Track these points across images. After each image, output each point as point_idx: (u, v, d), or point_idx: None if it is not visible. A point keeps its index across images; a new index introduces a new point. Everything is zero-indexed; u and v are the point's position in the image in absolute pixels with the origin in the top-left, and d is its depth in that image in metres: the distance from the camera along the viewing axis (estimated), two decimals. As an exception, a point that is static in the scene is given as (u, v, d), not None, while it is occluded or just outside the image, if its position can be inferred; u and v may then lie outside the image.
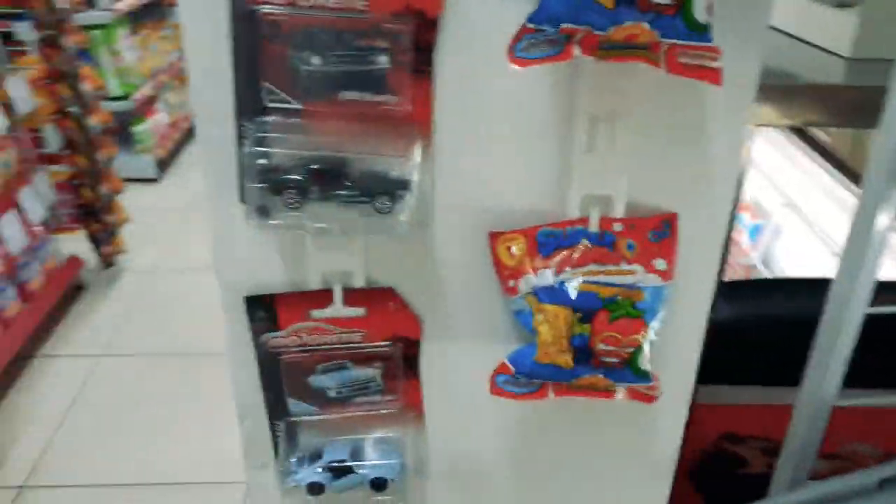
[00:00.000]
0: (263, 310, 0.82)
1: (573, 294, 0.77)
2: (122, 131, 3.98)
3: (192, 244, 3.53)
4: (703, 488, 1.23)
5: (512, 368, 0.81)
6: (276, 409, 0.88)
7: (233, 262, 0.80)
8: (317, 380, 0.86)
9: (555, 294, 0.78)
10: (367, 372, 0.86)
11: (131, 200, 3.67)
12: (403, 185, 0.69)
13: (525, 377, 0.81)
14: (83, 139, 3.20)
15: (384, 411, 0.88)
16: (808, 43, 1.13)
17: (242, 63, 0.66)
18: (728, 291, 1.01)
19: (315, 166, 0.67)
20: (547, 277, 0.78)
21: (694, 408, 0.93)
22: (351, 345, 0.84)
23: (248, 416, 0.89)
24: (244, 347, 0.84)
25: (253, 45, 0.64)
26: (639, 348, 0.78)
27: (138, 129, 4.21)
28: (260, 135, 0.67)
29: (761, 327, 1.15)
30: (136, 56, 4.10)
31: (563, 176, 0.76)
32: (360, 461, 0.86)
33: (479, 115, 0.72)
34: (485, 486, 0.97)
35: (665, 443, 0.95)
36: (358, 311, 0.83)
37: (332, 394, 0.86)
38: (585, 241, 0.77)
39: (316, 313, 0.82)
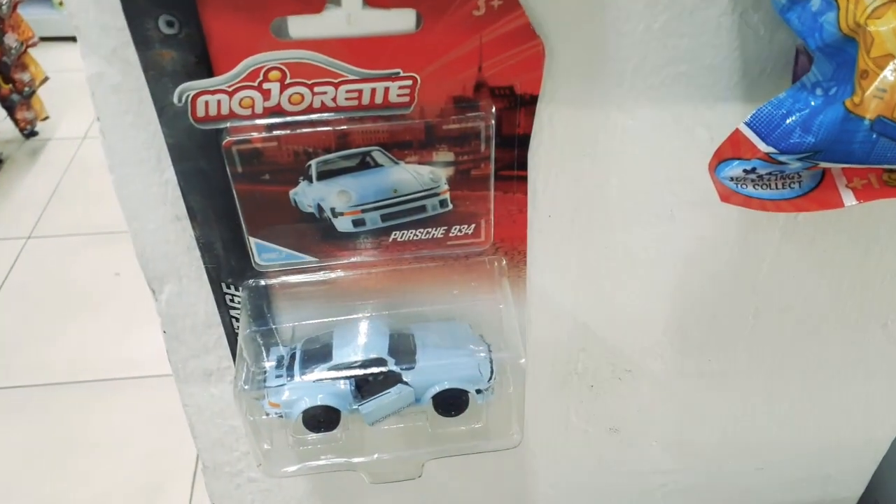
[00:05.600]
0: (170, 18, 0.33)
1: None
2: (33, -22, 3.30)
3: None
4: None
5: (762, 146, 0.35)
6: (225, 263, 0.41)
7: None
8: (308, 192, 0.39)
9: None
10: (418, 173, 0.39)
11: (51, 61, 3.10)
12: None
13: (797, 156, 0.35)
14: (-25, -25, 2.56)
15: (454, 255, 0.42)
16: None
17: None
18: None
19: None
20: None
21: None
22: (384, 112, 0.37)
23: (167, 280, 0.42)
24: (137, 122, 0.36)
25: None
26: None
27: (53, -26, 3.51)
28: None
29: None
30: None
31: None
32: (408, 361, 0.41)
33: None
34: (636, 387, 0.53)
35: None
36: (400, 21, 0.35)
37: (345, 222, 0.40)
38: None
39: (299, 26, 0.34)
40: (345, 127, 0.37)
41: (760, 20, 0.38)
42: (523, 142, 0.40)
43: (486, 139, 0.39)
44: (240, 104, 0.36)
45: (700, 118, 0.40)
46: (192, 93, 0.35)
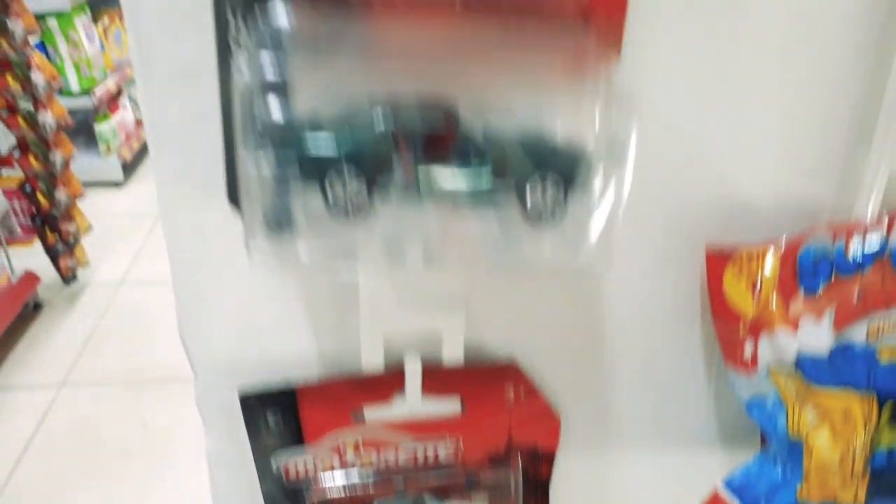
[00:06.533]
0: (275, 413, 0.44)
1: (876, 370, 0.40)
2: (83, 131, 3.56)
3: (165, 254, 3.13)
4: None
5: (737, 506, 0.44)
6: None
7: (211, 328, 0.42)
8: (371, 526, 0.48)
9: (838, 368, 0.40)
10: (461, 508, 0.48)
11: (94, 207, 3.25)
12: (576, 159, 0.32)
13: (766, 524, 0.44)
14: (36, 138, 2.78)
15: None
16: None
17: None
18: None
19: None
20: (819, 335, 0.40)
21: None
22: (434, 468, 0.47)
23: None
24: (241, 478, 0.46)
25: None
26: None
27: (101, 127, 3.78)
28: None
29: None
30: (97, 47, 3.67)
31: (855, 144, 0.39)
32: None
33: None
34: None
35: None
36: (448, 406, 0.45)
37: (399, 548, 0.49)
38: (892, 266, 0.40)
39: (372, 412, 0.45)
40: (402, 477, 0.47)
41: (731, 392, 0.48)
42: (545, 485, 0.49)
43: (514, 486, 0.48)
44: (322, 468, 0.46)
45: (688, 467, 0.49)
46: (286, 462, 0.45)
